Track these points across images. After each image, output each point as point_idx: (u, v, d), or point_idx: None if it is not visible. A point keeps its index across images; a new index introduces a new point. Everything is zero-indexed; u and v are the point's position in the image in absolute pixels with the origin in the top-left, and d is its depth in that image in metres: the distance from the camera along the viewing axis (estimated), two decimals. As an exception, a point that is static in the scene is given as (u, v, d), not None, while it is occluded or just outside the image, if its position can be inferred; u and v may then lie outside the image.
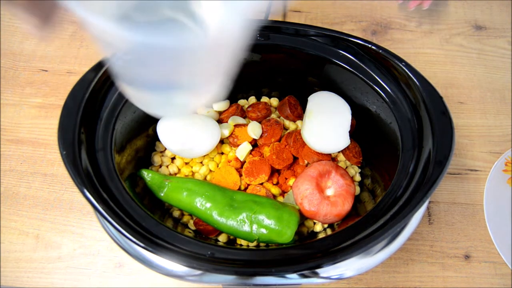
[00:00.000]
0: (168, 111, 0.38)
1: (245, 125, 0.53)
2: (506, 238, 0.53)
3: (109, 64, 0.29)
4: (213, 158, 0.53)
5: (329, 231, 0.48)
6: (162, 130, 0.49)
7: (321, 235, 0.48)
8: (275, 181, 0.52)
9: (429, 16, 0.72)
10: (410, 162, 0.41)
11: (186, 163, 0.52)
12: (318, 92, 0.52)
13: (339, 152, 0.54)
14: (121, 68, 0.29)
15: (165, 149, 0.53)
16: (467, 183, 0.58)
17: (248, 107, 0.56)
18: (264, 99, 0.58)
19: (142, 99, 0.33)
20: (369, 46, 0.46)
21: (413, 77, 0.44)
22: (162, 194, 0.47)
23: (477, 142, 0.61)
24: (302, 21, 0.69)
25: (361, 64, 0.47)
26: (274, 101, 0.57)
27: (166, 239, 0.38)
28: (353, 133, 0.53)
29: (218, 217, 0.44)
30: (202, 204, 0.45)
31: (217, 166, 0.52)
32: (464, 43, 0.69)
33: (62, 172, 0.57)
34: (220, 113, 0.55)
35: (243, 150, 0.51)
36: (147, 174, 0.47)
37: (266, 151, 0.51)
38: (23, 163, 0.58)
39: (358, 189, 0.52)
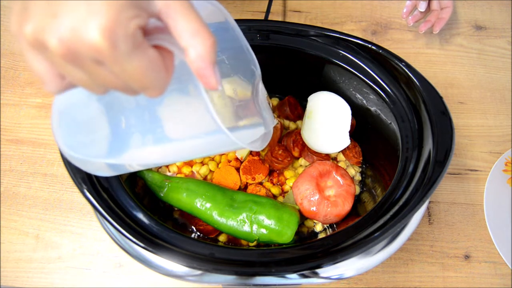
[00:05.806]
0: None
1: (245, 125, 0.53)
2: (506, 238, 0.53)
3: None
4: (213, 158, 0.53)
5: (329, 231, 0.48)
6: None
7: (321, 235, 0.48)
8: (275, 181, 0.52)
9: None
10: (410, 162, 0.41)
11: (186, 163, 0.52)
12: (318, 92, 0.52)
13: (339, 152, 0.54)
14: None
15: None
16: (467, 183, 0.58)
17: (248, 107, 0.56)
18: (264, 99, 0.58)
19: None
20: (369, 46, 0.46)
21: (413, 77, 0.44)
22: (162, 194, 0.47)
23: (477, 142, 0.61)
24: (302, 21, 0.69)
25: (361, 64, 0.47)
26: (274, 101, 0.57)
27: (166, 239, 0.38)
28: (353, 133, 0.53)
29: (218, 217, 0.44)
30: (202, 204, 0.45)
31: (217, 166, 0.52)
32: (464, 43, 0.69)
33: (62, 172, 0.57)
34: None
35: (243, 150, 0.51)
36: (147, 174, 0.47)
37: (266, 151, 0.51)
38: (23, 163, 0.58)
39: (358, 189, 0.52)
